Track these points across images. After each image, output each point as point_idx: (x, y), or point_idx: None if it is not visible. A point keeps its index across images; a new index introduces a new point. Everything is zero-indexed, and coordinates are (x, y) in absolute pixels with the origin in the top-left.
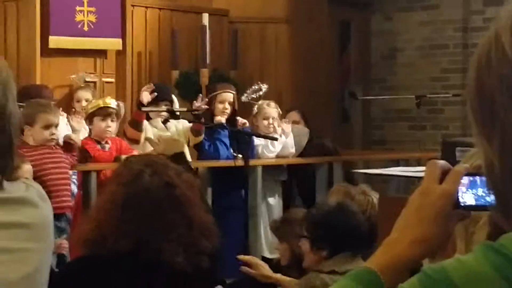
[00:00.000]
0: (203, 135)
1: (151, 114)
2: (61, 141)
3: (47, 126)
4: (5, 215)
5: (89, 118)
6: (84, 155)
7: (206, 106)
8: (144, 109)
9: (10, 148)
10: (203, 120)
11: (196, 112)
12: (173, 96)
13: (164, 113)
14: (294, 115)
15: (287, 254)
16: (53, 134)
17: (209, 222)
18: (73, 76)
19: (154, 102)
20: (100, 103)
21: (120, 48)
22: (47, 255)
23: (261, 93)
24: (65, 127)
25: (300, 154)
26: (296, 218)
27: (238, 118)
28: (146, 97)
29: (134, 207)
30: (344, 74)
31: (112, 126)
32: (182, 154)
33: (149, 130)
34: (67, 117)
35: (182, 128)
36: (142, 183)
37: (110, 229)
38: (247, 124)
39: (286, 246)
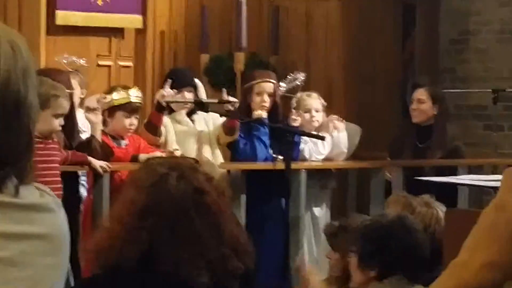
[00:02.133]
0: (237, 134)
1: (173, 106)
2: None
3: (59, 115)
4: (21, 224)
5: (111, 111)
6: (105, 151)
7: (234, 100)
8: (166, 100)
9: (28, 147)
10: (238, 115)
11: (229, 107)
12: (197, 81)
13: (189, 104)
14: (422, 93)
15: (339, 266)
16: (61, 125)
17: (243, 237)
18: (63, 60)
19: (173, 89)
20: (127, 96)
21: (141, 26)
22: (65, 270)
23: (297, 82)
24: (84, 120)
25: (420, 156)
26: (354, 226)
27: (294, 116)
28: (166, 96)
29: (155, 215)
30: (407, 63)
31: (135, 122)
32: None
33: (170, 128)
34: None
35: (213, 123)
36: (167, 188)
37: (126, 240)
38: (298, 122)
39: (339, 257)
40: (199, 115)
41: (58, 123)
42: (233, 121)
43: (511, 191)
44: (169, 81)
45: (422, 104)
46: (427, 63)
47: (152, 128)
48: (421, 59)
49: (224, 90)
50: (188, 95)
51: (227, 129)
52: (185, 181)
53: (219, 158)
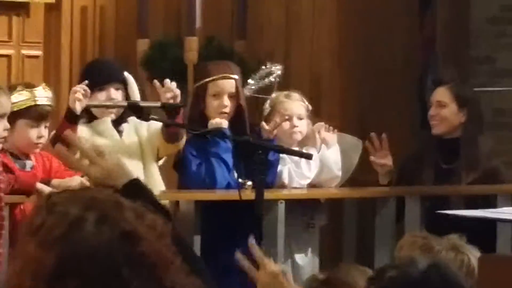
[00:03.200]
0: (182, 141)
1: (95, 111)
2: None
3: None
4: None
5: (10, 119)
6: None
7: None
8: (88, 104)
9: None
10: (181, 115)
11: (168, 96)
12: (127, 75)
13: (118, 108)
14: (443, 94)
15: None
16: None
17: None
18: None
19: (94, 88)
20: (32, 97)
21: (53, 0)
22: None
23: (272, 79)
24: None
25: (444, 181)
26: (348, 282)
27: (263, 124)
28: (79, 102)
29: (71, 279)
30: (427, 49)
31: (45, 134)
32: (137, 182)
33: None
34: None
35: (148, 131)
36: (83, 237)
37: None
38: (273, 134)
39: None
40: (130, 124)
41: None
42: (176, 120)
43: None
44: (86, 81)
45: (443, 109)
46: (453, 50)
47: (61, 142)
48: (446, 44)
49: (167, 81)
50: (115, 94)
51: (168, 135)
52: (109, 225)
53: (158, 183)
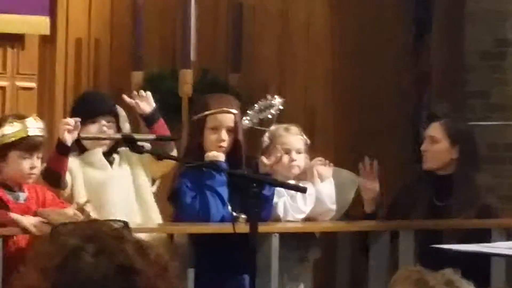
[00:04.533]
0: (173, 152)
1: (86, 143)
2: None
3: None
4: None
5: (2, 151)
6: None
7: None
8: (82, 136)
9: None
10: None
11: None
12: (119, 108)
13: (109, 140)
14: (436, 129)
15: None
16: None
17: None
18: None
19: (85, 120)
20: (24, 129)
21: (47, 32)
22: None
23: (273, 111)
24: None
25: (437, 218)
26: None
27: (262, 159)
28: (69, 134)
29: None
30: (421, 83)
31: (38, 165)
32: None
33: (77, 174)
34: None
35: (141, 161)
36: (81, 267)
37: None
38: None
39: None
40: (121, 153)
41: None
42: (154, 131)
43: None
44: (77, 116)
45: (435, 145)
46: (448, 85)
47: (53, 177)
48: (440, 78)
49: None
50: (107, 127)
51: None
52: (107, 257)
53: (153, 210)
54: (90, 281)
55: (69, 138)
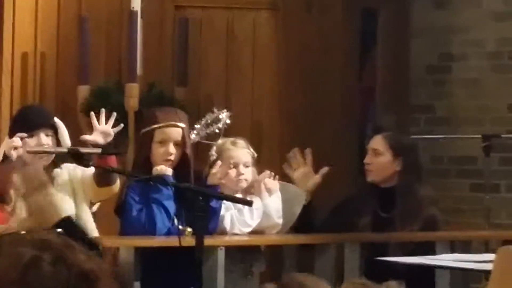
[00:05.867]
0: (115, 186)
1: (26, 157)
2: None
3: None
4: None
5: None
6: None
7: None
8: (28, 150)
9: None
10: (113, 158)
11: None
12: (57, 120)
13: (47, 155)
14: (379, 142)
15: None
16: None
17: None
18: None
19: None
20: None
21: None
22: None
23: (220, 125)
24: None
25: (382, 230)
26: None
27: (210, 170)
28: (15, 151)
29: None
30: (367, 97)
31: None
32: (69, 220)
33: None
34: None
35: (82, 177)
36: (42, 278)
37: None
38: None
39: None
40: (64, 170)
41: None
42: (105, 160)
43: (509, 276)
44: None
45: (378, 157)
46: (393, 98)
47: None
48: (386, 91)
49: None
50: (46, 140)
51: (100, 178)
52: (65, 265)
53: (91, 230)
54: None
55: (14, 154)
